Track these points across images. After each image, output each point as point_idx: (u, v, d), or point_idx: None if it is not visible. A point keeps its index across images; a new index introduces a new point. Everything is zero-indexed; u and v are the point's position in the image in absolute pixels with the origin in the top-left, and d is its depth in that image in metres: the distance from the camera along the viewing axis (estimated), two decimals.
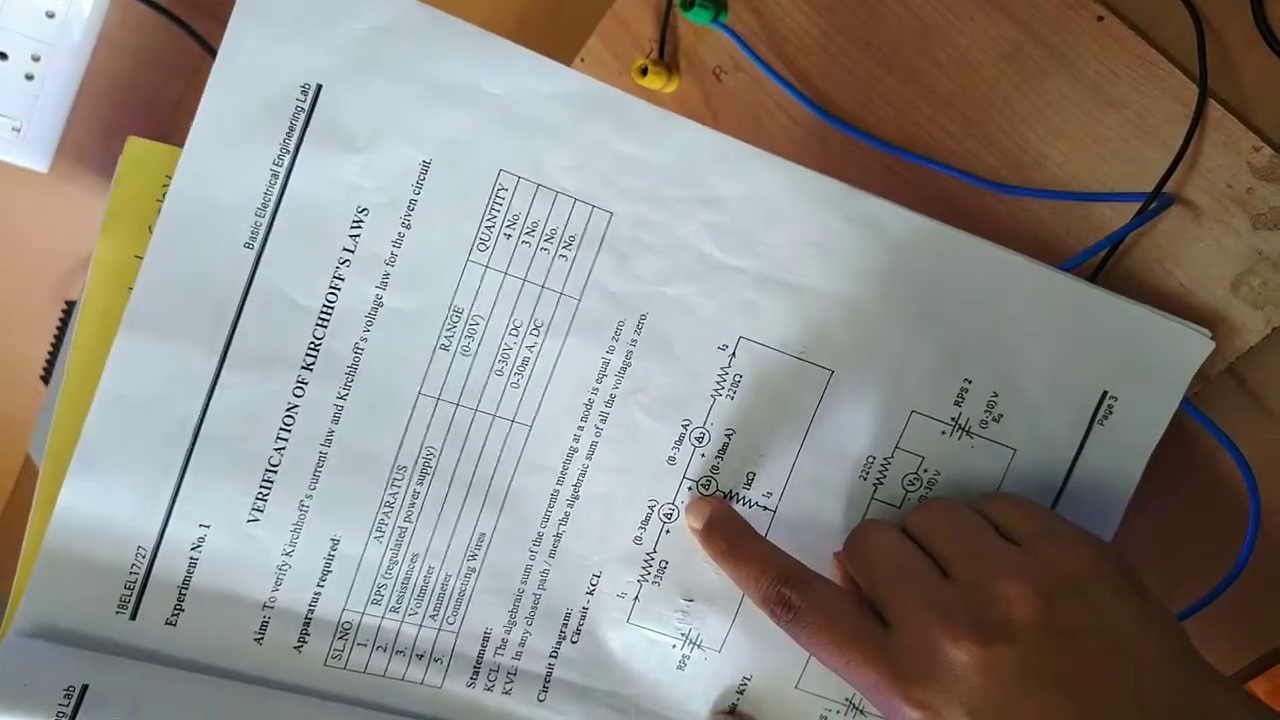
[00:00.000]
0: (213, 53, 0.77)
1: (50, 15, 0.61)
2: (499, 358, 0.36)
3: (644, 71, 0.52)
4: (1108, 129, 0.41)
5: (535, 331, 0.36)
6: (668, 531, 0.37)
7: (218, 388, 0.34)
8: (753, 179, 0.36)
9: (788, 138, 0.49)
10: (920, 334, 0.37)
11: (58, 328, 0.64)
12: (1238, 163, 0.39)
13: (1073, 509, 0.38)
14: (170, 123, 0.88)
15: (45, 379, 0.60)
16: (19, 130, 0.63)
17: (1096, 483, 0.38)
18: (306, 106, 0.34)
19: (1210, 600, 0.38)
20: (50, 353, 0.60)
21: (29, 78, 0.62)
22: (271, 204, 0.34)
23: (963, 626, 0.30)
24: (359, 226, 0.34)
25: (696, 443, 0.37)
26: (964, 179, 0.44)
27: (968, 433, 0.37)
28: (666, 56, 0.53)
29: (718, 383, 0.37)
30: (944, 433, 0.37)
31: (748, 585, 0.35)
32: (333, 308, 0.35)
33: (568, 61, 0.57)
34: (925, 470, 0.37)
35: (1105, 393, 0.38)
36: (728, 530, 0.36)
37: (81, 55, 0.63)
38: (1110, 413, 0.38)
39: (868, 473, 0.37)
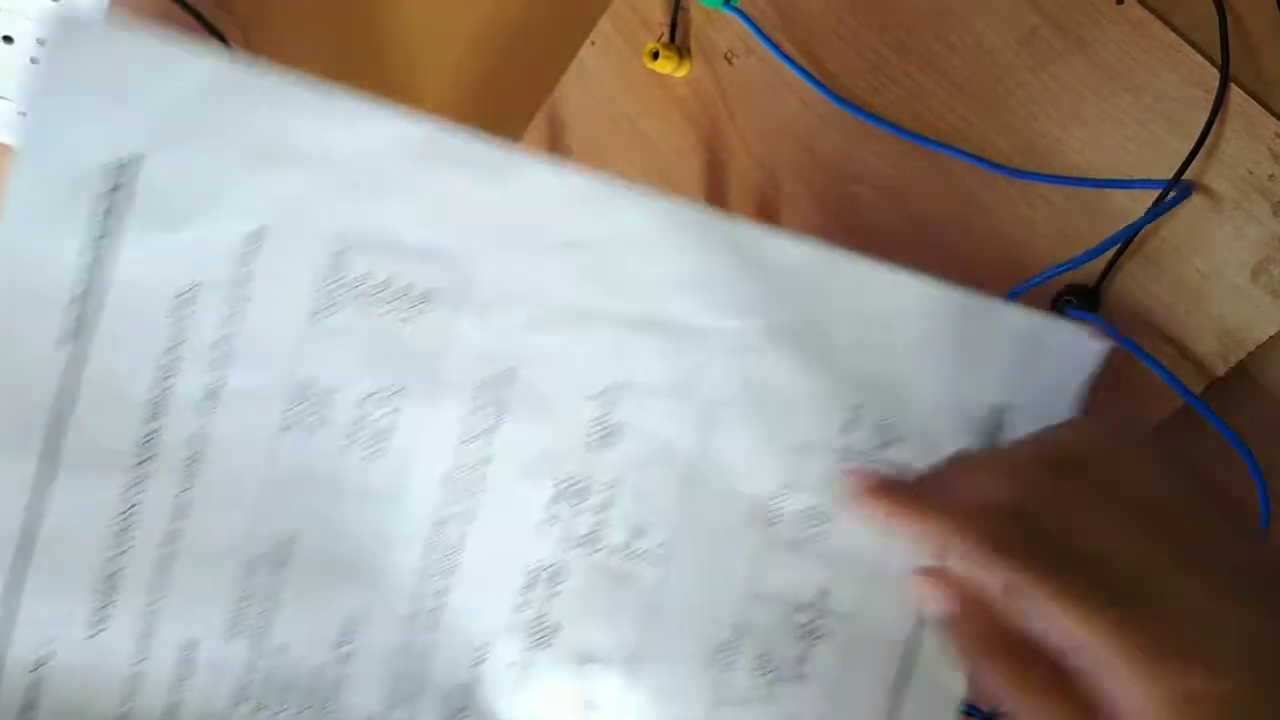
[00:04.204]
0: (221, 38, 0.76)
1: None
2: (354, 430, 0.33)
3: (655, 55, 0.51)
4: (1125, 114, 0.41)
5: (392, 398, 0.33)
6: (556, 594, 0.35)
7: (46, 495, 0.32)
8: (616, 217, 0.34)
9: (799, 122, 0.49)
10: (804, 362, 0.35)
11: None
12: (1259, 149, 0.38)
13: None
14: None
15: None
16: (25, 114, 0.63)
17: None
18: (122, 183, 0.31)
19: None
20: None
21: (34, 61, 0.62)
22: (90, 292, 0.31)
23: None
24: (189, 306, 0.32)
25: (577, 498, 0.35)
26: (978, 164, 0.44)
27: (859, 459, 0.35)
28: (677, 40, 0.52)
29: (594, 433, 0.35)
30: (834, 462, 0.35)
31: (958, 535, 0.29)
32: (167, 397, 0.32)
33: (578, 45, 0.56)
34: (818, 504, 0.35)
35: (998, 405, 0.35)
36: (892, 492, 0.32)
37: None
38: (1005, 425, 0.35)
39: (762, 512, 0.35)
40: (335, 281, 0.33)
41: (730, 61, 0.51)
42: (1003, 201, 0.44)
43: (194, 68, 0.31)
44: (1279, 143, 0.38)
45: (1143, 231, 0.40)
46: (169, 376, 0.32)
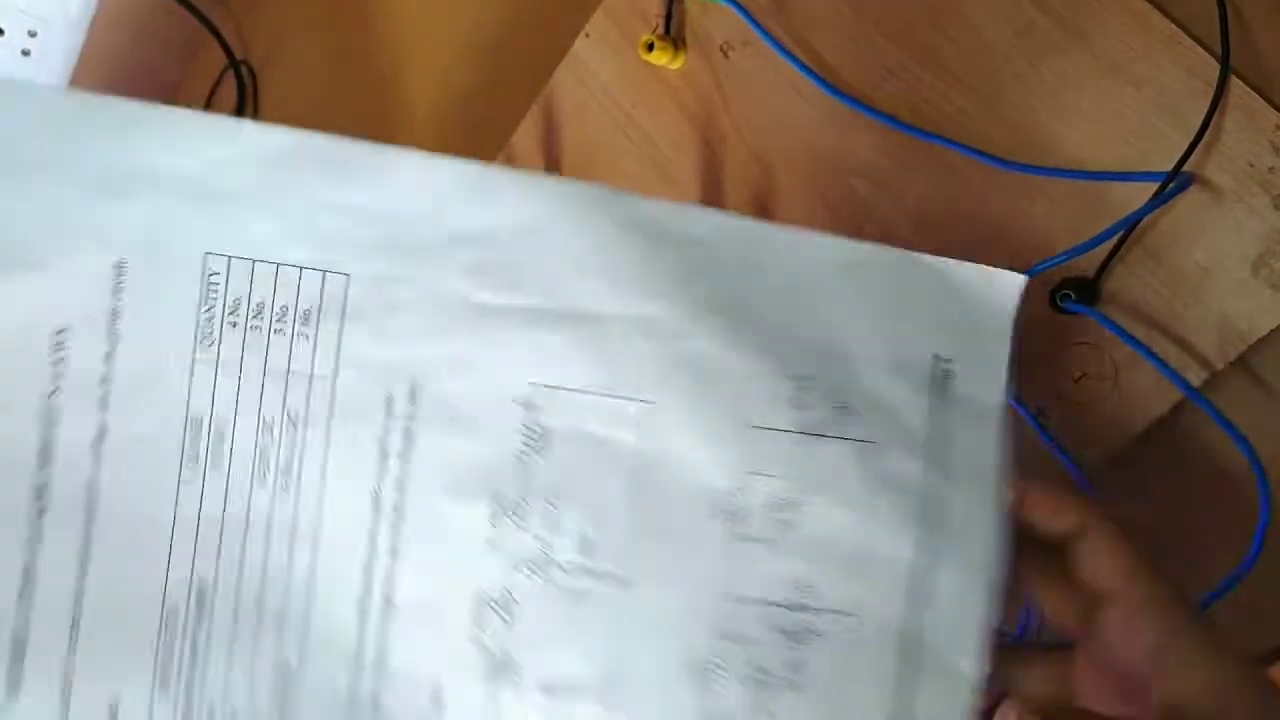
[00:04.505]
0: (211, 28, 0.76)
1: None
2: (258, 464, 0.32)
3: (650, 48, 0.51)
4: (1125, 107, 0.40)
5: (292, 426, 0.32)
6: (509, 622, 0.32)
7: None
8: (505, 203, 0.32)
9: (796, 115, 0.48)
10: (736, 338, 0.32)
11: None
12: (1259, 141, 0.38)
13: (941, 484, 0.32)
14: (169, 102, 0.88)
15: None
16: None
17: (957, 455, 0.33)
18: None
19: (1219, 596, 0.38)
20: None
21: (25, 54, 0.62)
22: None
23: None
24: (61, 350, 0.31)
25: (515, 516, 0.32)
26: (977, 158, 0.43)
27: (818, 435, 0.32)
28: (673, 32, 0.52)
29: (523, 442, 0.32)
30: (792, 442, 0.32)
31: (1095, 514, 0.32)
32: (53, 445, 0.31)
33: (572, 38, 0.56)
34: (784, 491, 0.32)
35: (938, 356, 0.33)
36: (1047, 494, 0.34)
37: (78, 31, 0.63)
38: (949, 376, 0.33)
39: (720, 508, 0.32)
40: (209, 309, 0.31)
41: (726, 53, 0.50)
42: (1001, 195, 0.43)
43: (22, 101, 0.30)
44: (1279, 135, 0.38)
45: (1142, 225, 0.40)
46: (52, 424, 0.31)
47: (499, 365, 0.32)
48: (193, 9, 0.74)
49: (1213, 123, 0.38)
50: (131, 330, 0.31)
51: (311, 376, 0.32)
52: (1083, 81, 0.41)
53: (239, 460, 0.32)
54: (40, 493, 0.31)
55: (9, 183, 0.30)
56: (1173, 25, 0.39)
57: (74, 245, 0.31)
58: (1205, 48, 0.39)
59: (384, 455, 0.32)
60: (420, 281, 0.32)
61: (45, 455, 0.31)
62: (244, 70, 0.80)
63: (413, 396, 0.32)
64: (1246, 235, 0.38)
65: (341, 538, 0.32)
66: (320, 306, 0.32)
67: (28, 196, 0.30)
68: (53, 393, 0.31)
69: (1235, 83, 0.38)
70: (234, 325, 0.31)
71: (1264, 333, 0.38)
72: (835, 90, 0.47)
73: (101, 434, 0.31)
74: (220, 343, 0.31)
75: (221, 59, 0.80)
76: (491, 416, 0.32)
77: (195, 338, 0.31)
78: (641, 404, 0.32)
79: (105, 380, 0.31)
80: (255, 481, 0.32)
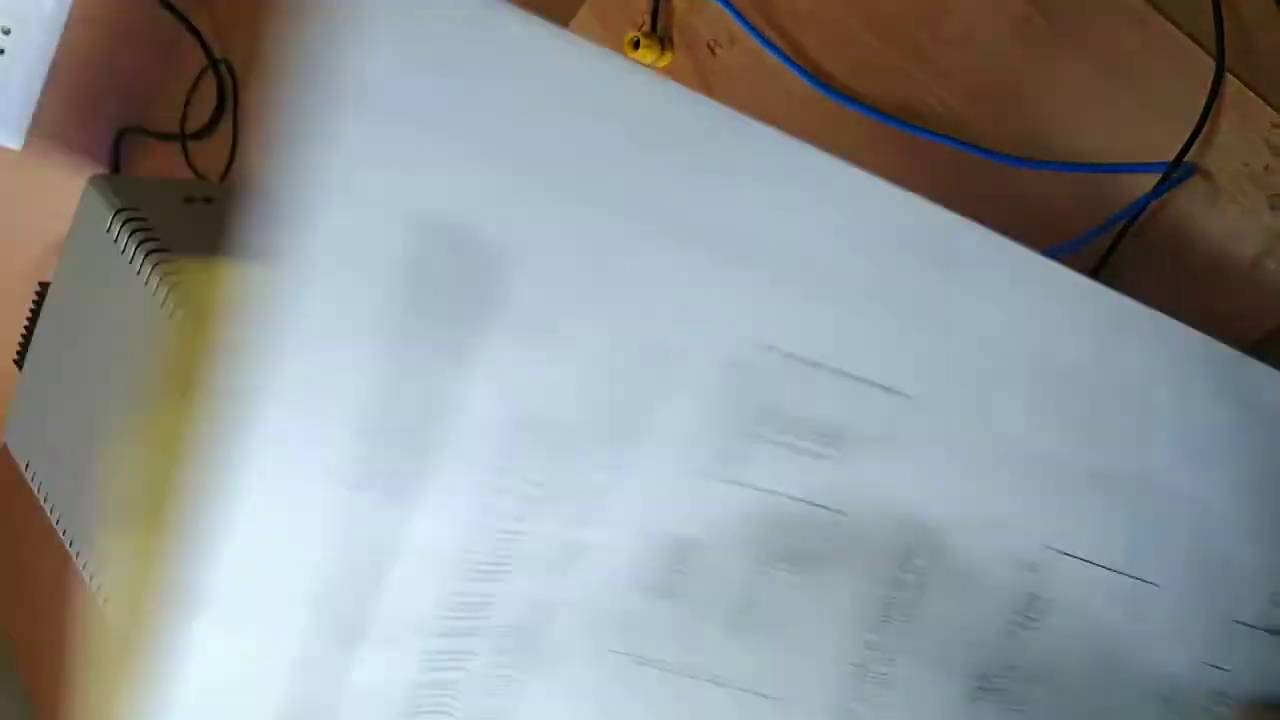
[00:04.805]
0: (190, 26, 0.75)
1: None
2: (731, 607, 0.25)
3: (636, 45, 0.50)
4: (1118, 106, 0.40)
5: (785, 564, 0.25)
6: None
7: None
8: (1125, 351, 0.27)
9: (785, 114, 0.48)
10: (1265, 529, 0.30)
11: (31, 310, 0.62)
12: (1255, 140, 0.37)
13: None
14: (146, 102, 0.87)
15: (18, 363, 0.58)
16: None
17: None
18: (469, 259, 0.19)
19: None
20: (24, 336, 0.58)
21: (1, 53, 0.60)
22: (423, 416, 0.21)
23: None
24: (538, 438, 0.22)
25: (994, 695, 0.28)
26: (969, 150, 0.43)
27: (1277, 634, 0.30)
28: (659, 30, 0.51)
29: (1018, 612, 0.27)
30: (1258, 639, 0.30)
31: None
32: (506, 559, 0.23)
33: None
34: (1228, 684, 0.30)
35: None
36: None
37: (54, 28, 0.61)
38: None
39: (1164, 696, 0.29)
40: (742, 415, 0.24)
41: (713, 51, 0.50)
42: (994, 190, 0.43)
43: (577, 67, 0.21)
44: (1276, 134, 0.37)
45: (1136, 224, 0.39)
46: (517, 533, 0.23)
47: (1028, 524, 0.27)
48: (171, 7, 0.73)
49: (1208, 122, 0.38)
50: (635, 438, 0.23)
51: (820, 507, 0.25)
52: (1076, 80, 0.41)
53: (709, 598, 0.25)
54: (481, 605, 0.22)
55: (552, 202, 0.20)
56: (1167, 23, 0.39)
57: (601, 311, 0.21)
58: (1201, 46, 0.38)
59: (886, 616, 0.26)
60: (976, 411, 0.26)
61: (497, 568, 0.22)
62: (224, 70, 0.79)
63: (934, 551, 0.26)
64: (1242, 235, 0.38)
65: (806, 706, 0.27)
66: (856, 429, 0.25)
67: (568, 231, 0.21)
68: (534, 498, 0.22)
69: (1231, 81, 0.38)
70: (759, 437, 0.24)
71: (1259, 335, 0.38)
72: (824, 87, 0.46)
73: (571, 544, 0.23)
74: (743, 459, 0.24)
75: (201, 59, 0.79)
76: (998, 580, 0.27)
77: (719, 449, 0.24)
78: (1147, 585, 0.29)
79: (596, 487, 0.23)
80: (721, 626, 0.25)
